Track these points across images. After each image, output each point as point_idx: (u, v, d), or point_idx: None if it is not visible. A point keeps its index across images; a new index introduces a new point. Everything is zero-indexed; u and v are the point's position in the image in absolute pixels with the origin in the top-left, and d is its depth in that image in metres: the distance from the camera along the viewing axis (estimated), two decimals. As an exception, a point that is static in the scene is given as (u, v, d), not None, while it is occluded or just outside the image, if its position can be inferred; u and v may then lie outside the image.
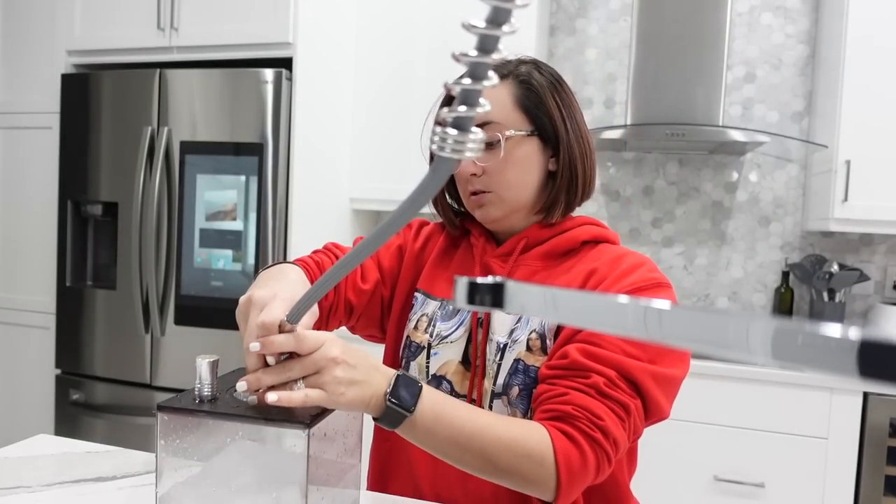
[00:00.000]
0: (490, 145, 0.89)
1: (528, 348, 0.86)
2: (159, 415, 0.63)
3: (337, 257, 0.99)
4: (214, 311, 2.22)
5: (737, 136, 2.19)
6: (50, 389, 2.49)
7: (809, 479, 1.95)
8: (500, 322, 0.90)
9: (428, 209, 1.00)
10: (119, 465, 0.87)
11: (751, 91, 2.54)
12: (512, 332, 0.88)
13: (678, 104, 2.32)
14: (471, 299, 0.37)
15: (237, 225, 2.20)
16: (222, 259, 2.21)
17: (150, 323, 2.29)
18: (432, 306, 0.95)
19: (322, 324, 0.97)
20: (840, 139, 2.13)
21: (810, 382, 1.94)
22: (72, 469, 0.86)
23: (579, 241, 0.92)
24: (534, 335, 0.87)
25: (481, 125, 0.88)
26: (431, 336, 0.93)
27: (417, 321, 0.96)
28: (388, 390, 0.69)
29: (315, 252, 1.00)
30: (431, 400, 0.73)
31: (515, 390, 0.86)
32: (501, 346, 0.88)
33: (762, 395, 1.98)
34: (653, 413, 0.82)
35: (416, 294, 0.98)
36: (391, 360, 1.00)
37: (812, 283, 2.33)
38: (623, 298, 0.30)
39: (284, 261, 0.99)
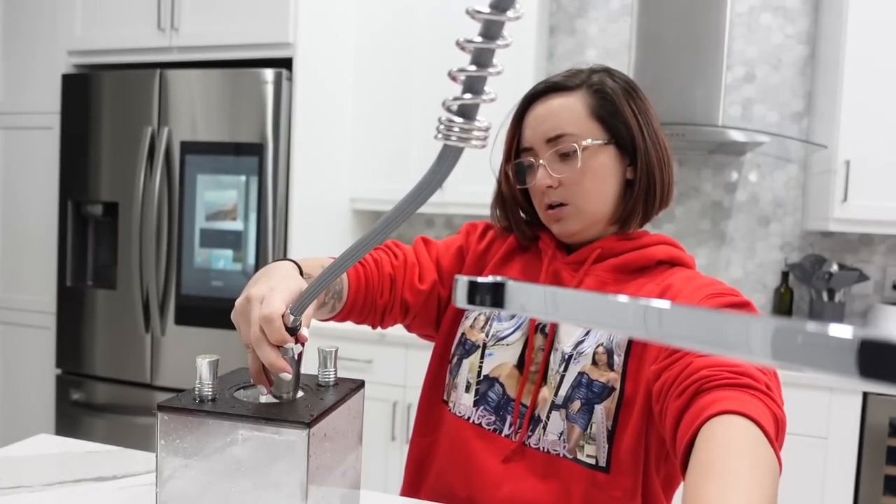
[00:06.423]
0: (566, 156, 0.87)
1: (594, 362, 0.83)
2: (159, 414, 0.63)
3: (394, 253, 0.99)
4: (215, 311, 2.22)
5: (736, 136, 2.19)
6: (50, 389, 2.50)
7: (809, 478, 1.95)
8: (567, 332, 0.87)
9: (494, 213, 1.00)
10: (119, 465, 0.87)
11: (750, 91, 2.54)
12: (579, 343, 0.85)
13: (678, 104, 2.32)
14: (471, 299, 0.37)
15: (237, 225, 2.20)
16: (222, 259, 2.22)
17: (150, 323, 2.29)
18: None
19: (377, 321, 0.97)
20: (839, 139, 2.13)
21: (810, 382, 1.94)
22: (72, 469, 0.86)
23: (655, 259, 0.89)
24: (601, 349, 0.83)
25: (556, 138, 0.87)
26: (487, 336, 0.92)
27: (475, 319, 0.94)
28: None
29: (376, 249, 0.99)
30: None
31: (577, 404, 0.82)
32: (567, 356, 0.85)
33: (762, 394, 1.98)
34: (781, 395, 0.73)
35: None
36: (439, 355, 0.98)
37: (811, 283, 2.33)
38: (623, 298, 0.29)
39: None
